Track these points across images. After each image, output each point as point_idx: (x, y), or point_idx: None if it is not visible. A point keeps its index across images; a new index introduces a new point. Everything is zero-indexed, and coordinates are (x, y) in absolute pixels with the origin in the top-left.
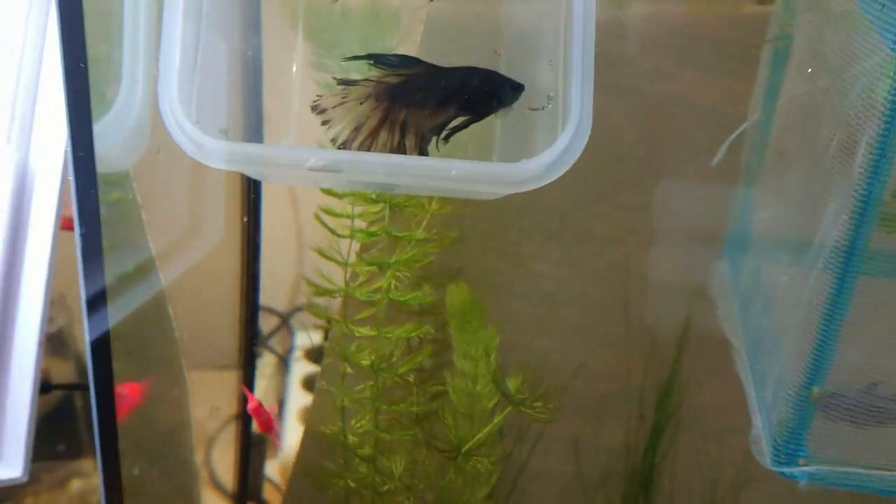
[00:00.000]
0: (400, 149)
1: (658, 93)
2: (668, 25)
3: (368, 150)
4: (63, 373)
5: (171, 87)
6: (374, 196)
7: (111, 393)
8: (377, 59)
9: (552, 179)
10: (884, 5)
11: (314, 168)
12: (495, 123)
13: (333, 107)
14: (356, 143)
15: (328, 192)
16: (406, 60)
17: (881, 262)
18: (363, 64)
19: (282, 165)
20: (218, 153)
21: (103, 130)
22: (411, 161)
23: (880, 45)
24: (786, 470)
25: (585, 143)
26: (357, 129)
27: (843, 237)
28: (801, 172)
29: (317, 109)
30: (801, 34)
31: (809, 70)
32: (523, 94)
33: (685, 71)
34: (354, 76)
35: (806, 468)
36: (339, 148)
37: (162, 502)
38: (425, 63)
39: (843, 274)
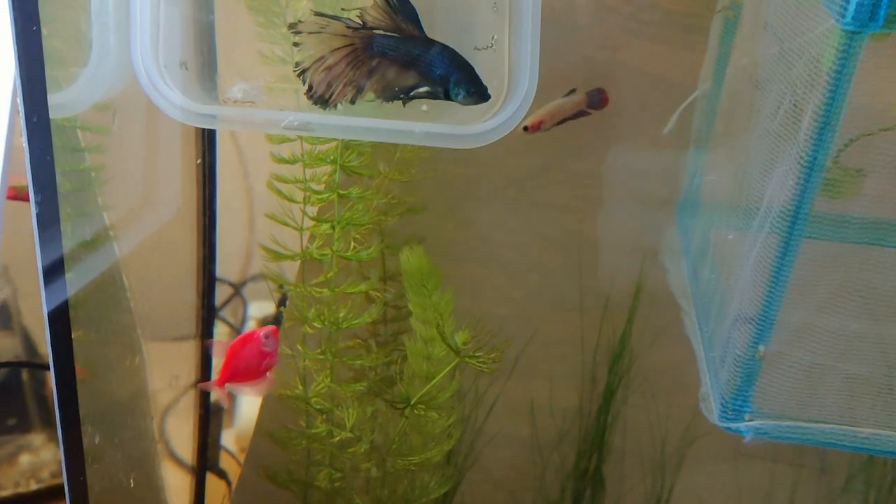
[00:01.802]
0: (359, 88)
1: (610, 61)
2: None
3: (328, 82)
4: (8, 346)
5: (144, 51)
6: (330, 157)
7: (71, 367)
8: None
9: (503, 135)
10: None
11: (289, 127)
12: None
13: (309, 33)
14: (316, 72)
15: (280, 160)
16: (406, 8)
17: (823, 226)
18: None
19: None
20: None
21: (75, 95)
22: (377, 123)
23: (826, 15)
24: (732, 425)
25: (530, 105)
26: (321, 60)
27: (789, 201)
28: (748, 139)
29: (293, 29)
30: (750, 3)
31: (757, 39)
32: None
33: (637, 40)
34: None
35: (751, 423)
36: (299, 74)
37: (121, 471)
38: (419, 24)
39: (788, 237)
